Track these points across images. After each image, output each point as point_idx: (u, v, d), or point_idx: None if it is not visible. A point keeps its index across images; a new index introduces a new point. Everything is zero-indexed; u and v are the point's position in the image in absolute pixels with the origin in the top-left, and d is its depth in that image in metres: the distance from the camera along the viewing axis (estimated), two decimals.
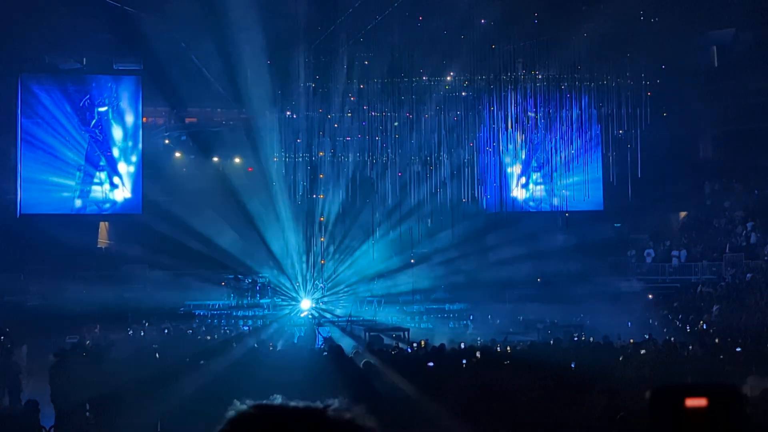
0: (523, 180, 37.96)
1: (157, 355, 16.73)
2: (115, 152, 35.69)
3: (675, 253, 35.77)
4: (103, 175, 35.52)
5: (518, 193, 37.93)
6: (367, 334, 25.11)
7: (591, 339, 21.81)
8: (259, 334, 25.06)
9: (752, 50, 35.21)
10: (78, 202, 35.38)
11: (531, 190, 38.10)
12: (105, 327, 26.45)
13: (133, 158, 35.78)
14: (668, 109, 36.27)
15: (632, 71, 36.58)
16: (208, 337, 24.29)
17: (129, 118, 35.80)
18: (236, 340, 22.10)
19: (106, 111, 35.65)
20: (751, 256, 33.92)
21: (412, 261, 34.59)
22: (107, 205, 35.77)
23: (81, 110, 35.43)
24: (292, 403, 1.87)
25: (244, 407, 1.88)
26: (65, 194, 35.22)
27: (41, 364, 17.87)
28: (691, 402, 2.18)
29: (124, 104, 35.84)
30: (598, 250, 33.58)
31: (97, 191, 35.48)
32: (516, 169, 37.72)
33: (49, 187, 34.98)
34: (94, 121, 35.56)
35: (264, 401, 1.89)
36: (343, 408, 1.85)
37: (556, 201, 37.49)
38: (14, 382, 16.56)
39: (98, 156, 35.56)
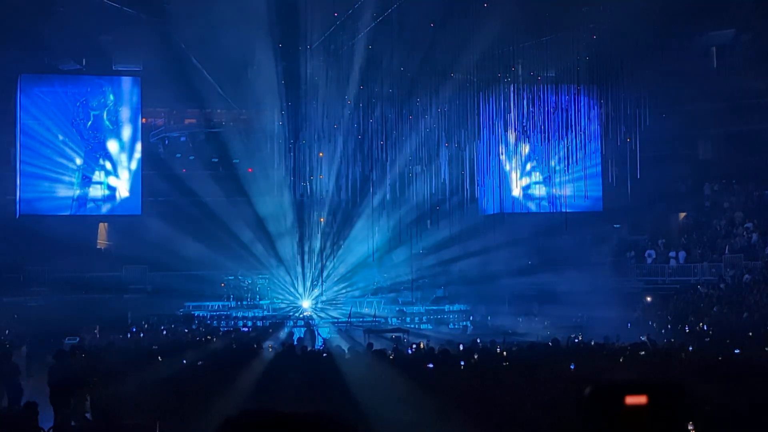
0: (523, 180, 37.93)
1: (159, 357, 16.71)
2: (115, 153, 35.71)
3: (673, 254, 35.73)
4: (102, 176, 35.54)
5: (518, 193, 37.91)
6: (366, 335, 25.11)
7: (591, 342, 21.74)
8: (259, 335, 25.02)
9: (752, 50, 35.20)
10: (77, 203, 35.37)
11: (530, 191, 38.07)
12: (104, 328, 26.42)
13: (133, 159, 35.78)
14: (668, 109, 36.21)
15: (632, 72, 36.51)
16: (208, 339, 24.25)
17: (128, 119, 35.83)
18: (235, 341, 22.06)
19: (106, 112, 35.66)
20: (750, 256, 33.89)
21: (412, 260, 34.58)
22: (106, 206, 35.77)
23: (81, 111, 35.44)
24: (282, 409, 1.87)
25: (233, 413, 1.88)
26: (65, 194, 35.22)
27: (41, 365, 17.85)
28: (631, 399, 2.17)
29: (124, 105, 35.86)
30: (597, 250, 33.54)
31: (97, 191, 35.49)
32: (515, 170, 37.69)
33: (48, 187, 34.98)
34: (93, 121, 35.56)
35: (255, 407, 1.89)
36: (332, 412, 1.85)
37: (555, 201, 37.45)
38: (13, 384, 16.51)
39: (97, 156, 35.58)
